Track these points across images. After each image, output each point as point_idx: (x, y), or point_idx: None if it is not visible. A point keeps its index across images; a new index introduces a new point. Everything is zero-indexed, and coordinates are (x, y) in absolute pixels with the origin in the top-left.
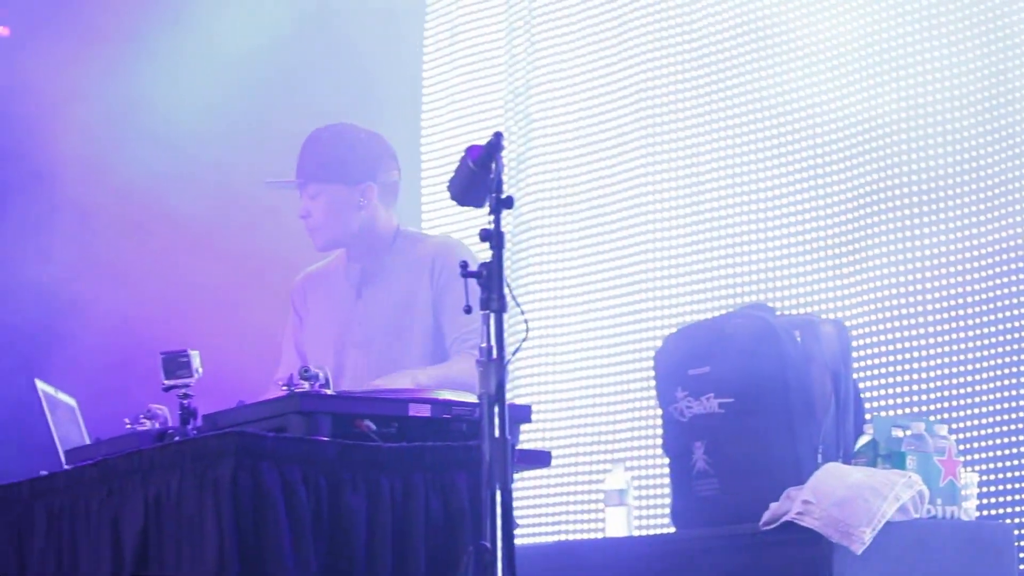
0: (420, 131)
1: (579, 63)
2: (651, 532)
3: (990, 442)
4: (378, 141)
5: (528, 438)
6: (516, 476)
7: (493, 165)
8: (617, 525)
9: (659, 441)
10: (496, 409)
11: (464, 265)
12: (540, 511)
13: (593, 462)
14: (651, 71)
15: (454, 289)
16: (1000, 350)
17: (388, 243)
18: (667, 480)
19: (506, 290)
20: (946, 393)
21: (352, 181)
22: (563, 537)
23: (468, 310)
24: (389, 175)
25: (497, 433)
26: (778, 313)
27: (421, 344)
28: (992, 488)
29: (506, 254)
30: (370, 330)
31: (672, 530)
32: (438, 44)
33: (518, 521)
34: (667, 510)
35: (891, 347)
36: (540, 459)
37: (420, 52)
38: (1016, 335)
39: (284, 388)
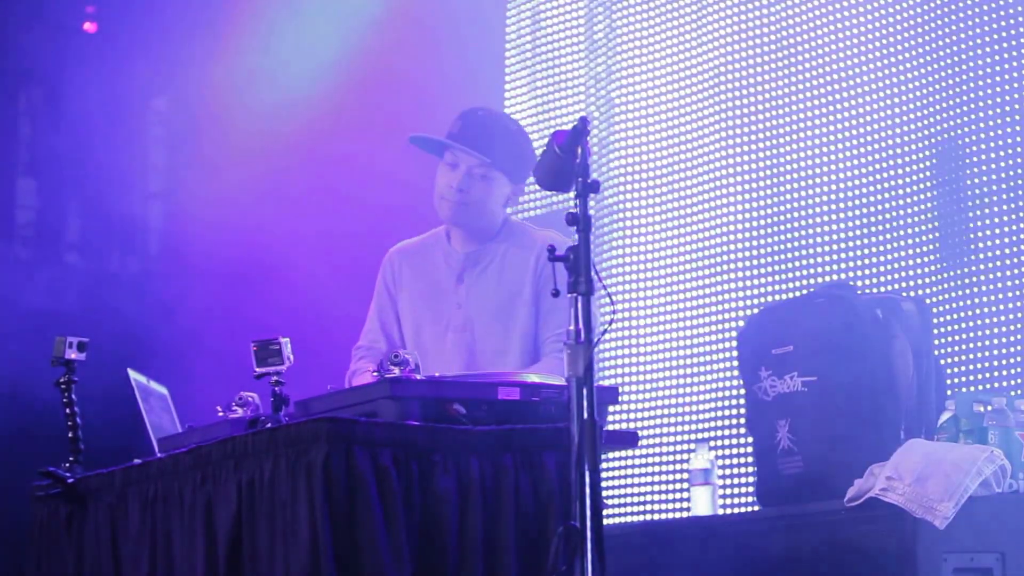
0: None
1: (659, 48)
2: (736, 511)
3: None
4: (532, 145)
5: (614, 419)
6: (604, 457)
7: (579, 150)
8: (702, 504)
9: (743, 420)
10: (584, 391)
11: (552, 249)
12: (626, 491)
13: (678, 442)
14: (730, 54)
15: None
16: None
17: (497, 231)
18: (751, 459)
19: (592, 273)
20: None
21: (517, 179)
22: (649, 517)
23: (556, 293)
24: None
25: (586, 415)
26: (859, 292)
27: (521, 334)
28: None
29: (591, 238)
30: (472, 315)
31: (757, 508)
32: (520, 32)
33: (606, 501)
34: (751, 489)
35: (971, 323)
36: (628, 440)
37: (502, 40)
38: None
39: (375, 373)
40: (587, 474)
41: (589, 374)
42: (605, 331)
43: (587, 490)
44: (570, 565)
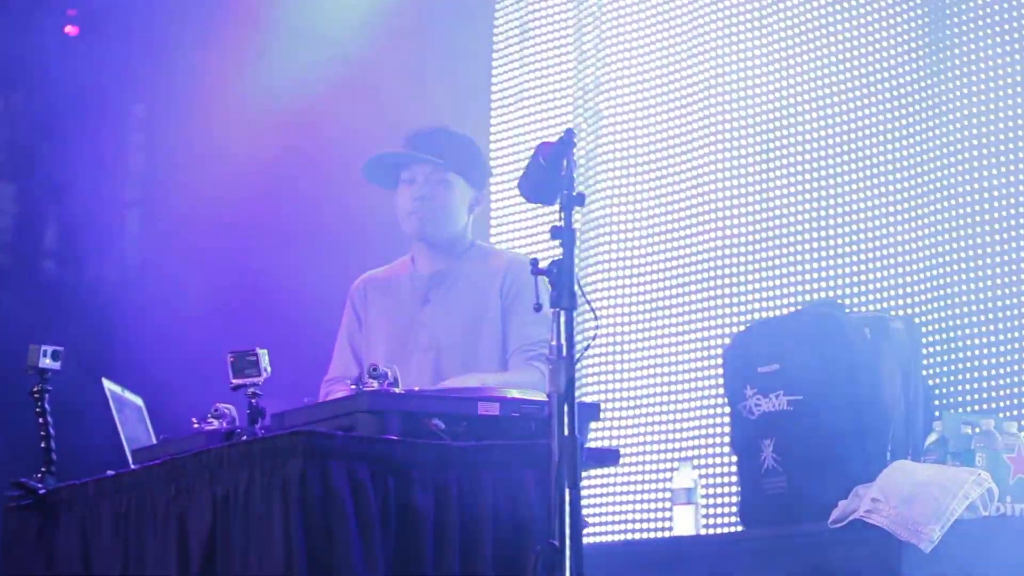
0: (489, 129)
1: (648, 60)
2: (719, 531)
3: None
4: (483, 151)
5: (597, 436)
6: (584, 474)
7: (564, 162)
8: (685, 524)
9: (727, 439)
10: (565, 407)
11: (534, 263)
12: (608, 509)
13: (661, 460)
14: (720, 67)
15: (522, 302)
16: None
17: (463, 251)
18: (735, 478)
19: (576, 288)
20: (1016, 390)
21: (478, 184)
22: (631, 536)
23: (538, 308)
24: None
25: (566, 431)
26: (848, 310)
27: (489, 353)
28: None
29: (575, 252)
30: (438, 335)
31: (740, 528)
32: (508, 42)
33: (586, 520)
34: (735, 508)
35: (961, 343)
36: (609, 457)
37: (489, 50)
38: None
39: (352, 387)
40: (567, 492)
41: (570, 390)
42: (588, 347)
43: (567, 508)
44: None
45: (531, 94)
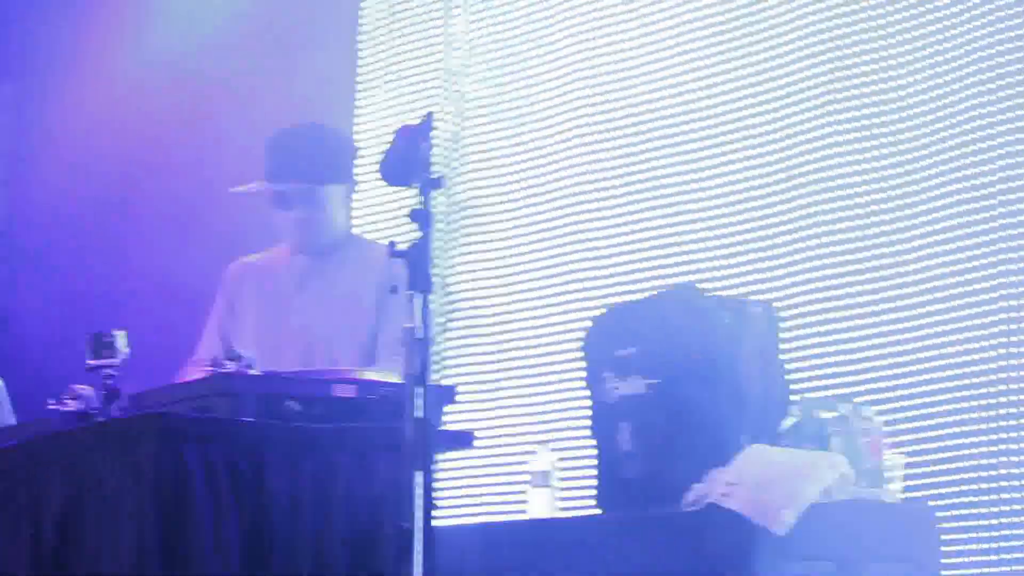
0: (354, 112)
1: (515, 43)
2: (577, 514)
3: (916, 424)
4: (347, 137)
5: (456, 419)
6: (440, 457)
7: (423, 145)
8: (541, 507)
9: (586, 422)
10: (419, 390)
11: (392, 246)
12: (466, 492)
13: (519, 443)
14: (584, 51)
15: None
16: (926, 332)
17: (341, 241)
18: (594, 462)
19: (432, 271)
20: (872, 375)
21: (349, 177)
22: (488, 519)
23: (394, 290)
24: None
25: (419, 414)
26: (707, 295)
27: (360, 343)
28: (917, 470)
29: (438, 235)
30: (310, 323)
31: (597, 512)
32: (376, 24)
33: (444, 503)
34: (593, 492)
35: (818, 329)
36: (462, 440)
37: (355, 31)
38: (941, 317)
39: (209, 369)
40: (419, 474)
41: (425, 372)
42: (444, 329)
43: (419, 491)
44: (401, 566)
45: (397, 76)
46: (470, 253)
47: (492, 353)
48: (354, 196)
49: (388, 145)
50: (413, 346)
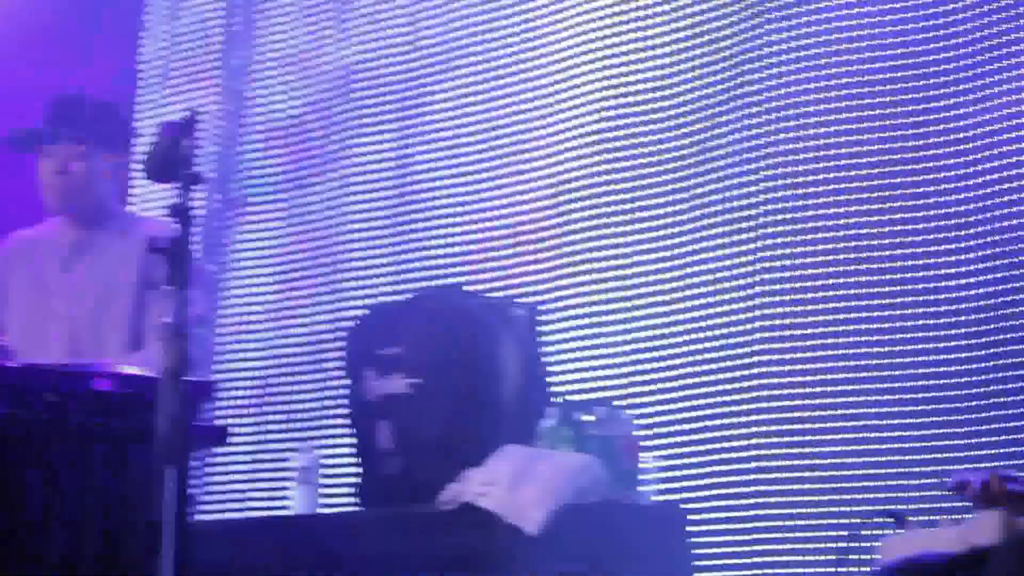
0: (135, 107)
1: (294, 41)
2: (338, 511)
3: (670, 428)
4: (126, 113)
5: (219, 415)
6: (204, 452)
7: (185, 142)
8: (303, 502)
9: (348, 420)
10: (174, 385)
11: (153, 241)
12: (228, 487)
13: (282, 440)
14: (365, 49)
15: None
16: (684, 339)
17: (106, 219)
18: (355, 459)
19: (192, 266)
20: (629, 380)
21: (119, 149)
22: (250, 514)
23: (153, 286)
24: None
25: (174, 409)
26: (471, 296)
27: (124, 324)
28: (672, 473)
29: (209, 231)
30: (72, 306)
31: (357, 508)
32: (158, 20)
33: (208, 498)
34: (354, 489)
35: (579, 332)
36: (216, 436)
37: (137, 28)
38: (698, 325)
39: None
40: (172, 470)
41: (182, 368)
42: (203, 325)
43: (171, 485)
44: (151, 560)
45: (178, 74)
46: (244, 251)
47: (259, 350)
48: (136, 186)
49: (152, 141)
50: (170, 341)
